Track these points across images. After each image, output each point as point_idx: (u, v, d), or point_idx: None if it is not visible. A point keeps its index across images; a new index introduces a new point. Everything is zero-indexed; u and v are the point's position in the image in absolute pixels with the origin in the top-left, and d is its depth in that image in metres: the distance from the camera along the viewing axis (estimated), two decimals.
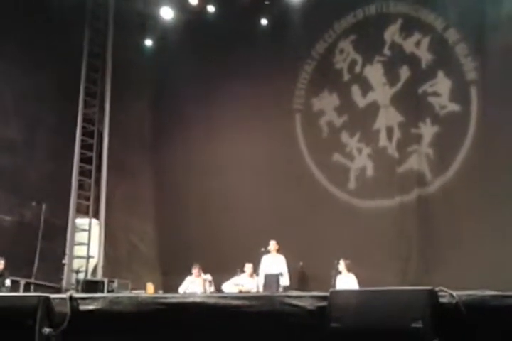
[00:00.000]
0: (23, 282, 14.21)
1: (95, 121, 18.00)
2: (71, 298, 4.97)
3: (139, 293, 13.64)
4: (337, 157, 15.77)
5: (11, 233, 15.22)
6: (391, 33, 15.37)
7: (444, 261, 13.10)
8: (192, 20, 17.38)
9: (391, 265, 13.76)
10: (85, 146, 17.63)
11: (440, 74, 14.60)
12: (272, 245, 13.86)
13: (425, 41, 14.93)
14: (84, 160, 17.59)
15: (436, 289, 3.93)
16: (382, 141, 15.16)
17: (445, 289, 3.94)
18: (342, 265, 12.86)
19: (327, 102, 16.25)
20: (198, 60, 17.40)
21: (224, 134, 17.08)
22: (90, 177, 17.73)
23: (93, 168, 17.73)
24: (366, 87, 15.63)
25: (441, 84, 14.55)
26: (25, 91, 16.05)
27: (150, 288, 14.75)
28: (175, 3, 17.31)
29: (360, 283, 12.48)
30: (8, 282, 13.44)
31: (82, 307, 4.94)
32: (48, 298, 4.99)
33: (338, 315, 3.99)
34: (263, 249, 13.74)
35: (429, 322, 3.70)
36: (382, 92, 15.36)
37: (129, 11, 17.74)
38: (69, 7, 16.08)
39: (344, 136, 15.83)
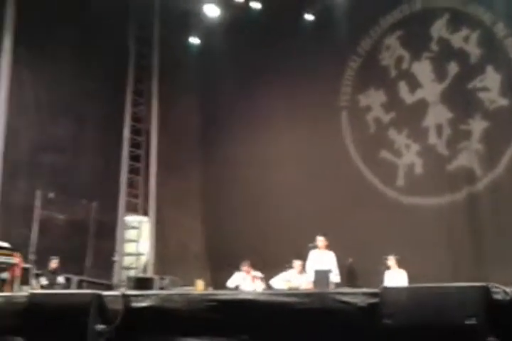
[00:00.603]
0: (75, 279, 14.44)
1: (143, 119, 18.16)
2: (123, 295, 5.02)
3: (190, 289, 13.73)
4: (384, 154, 15.64)
5: (63, 231, 15.45)
6: (438, 28, 15.16)
7: (495, 257, 12.92)
8: (237, 17, 17.40)
9: (441, 261, 13.60)
10: (134, 144, 17.82)
11: (489, 69, 14.36)
12: (320, 241, 13.75)
13: (473, 36, 14.69)
14: (133, 158, 17.78)
15: (490, 285, 3.88)
16: (432, 138, 14.97)
17: (498, 285, 3.89)
18: (392, 261, 12.73)
19: (374, 99, 16.10)
20: (243, 57, 17.41)
21: (271, 131, 17.06)
22: (139, 175, 17.90)
23: (142, 165, 17.89)
24: (414, 84, 15.44)
25: (491, 79, 14.31)
26: (74, 90, 16.25)
27: (200, 284, 14.79)
28: (220, 0, 17.34)
29: (409, 279, 12.36)
30: (61, 279, 13.65)
31: (135, 305, 4.99)
32: (100, 295, 5.06)
33: (390, 312, 3.97)
34: (311, 244, 13.68)
35: (483, 319, 3.66)
36: (430, 89, 15.14)
37: (174, 9, 17.82)
38: (114, 7, 16.23)
39: (392, 133, 15.68)
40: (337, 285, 13.02)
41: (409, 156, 15.30)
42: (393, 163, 15.49)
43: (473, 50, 14.62)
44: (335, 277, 13.24)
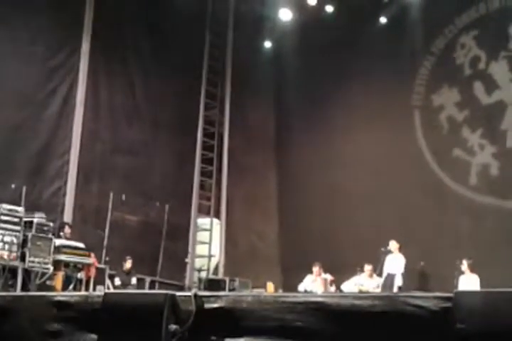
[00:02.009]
0: (148, 280, 14.65)
1: (216, 123, 18.32)
2: (196, 295, 5.07)
3: (260, 291, 13.79)
4: (457, 152, 15.43)
5: (137, 233, 15.69)
6: None
7: None
8: (310, 21, 17.41)
9: None
10: (206, 147, 17.98)
11: None
12: (393, 245, 13.72)
13: None
14: (206, 161, 17.93)
15: None
16: (510, 141, 14.67)
17: None
18: (465, 265, 12.57)
19: (447, 97, 15.93)
20: (316, 60, 17.43)
21: (344, 134, 17.02)
22: (211, 178, 18.06)
23: (214, 168, 18.04)
24: (491, 85, 15.17)
25: None
26: (148, 94, 16.49)
27: (270, 286, 14.87)
28: (293, 4, 17.36)
29: (483, 283, 12.16)
30: (134, 280, 13.87)
31: (207, 305, 5.03)
32: (174, 296, 5.11)
33: (464, 317, 3.91)
34: (383, 249, 13.61)
35: None
36: (508, 90, 14.86)
37: (248, 13, 17.95)
38: (190, 11, 16.43)
39: (465, 131, 15.47)
40: (400, 288, 12.96)
41: (483, 156, 15.05)
42: (466, 162, 15.26)
43: None
44: (398, 280, 13.19)
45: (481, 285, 12.06)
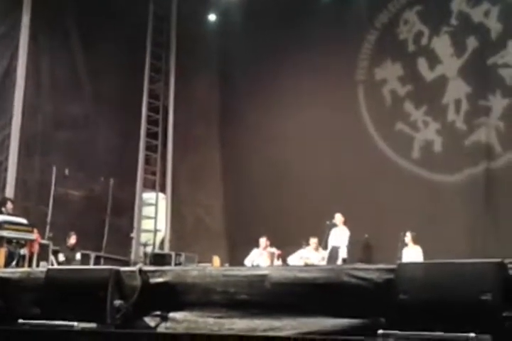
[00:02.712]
0: (93, 255, 14.55)
1: (161, 97, 18.18)
2: (140, 270, 5.05)
3: (206, 266, 13.82)
4: (400, 126, 15.61)
5: (81, 208, 15.55)
6: (458, 2, 15.03)
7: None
8: None
9: (458, 237, 13.61)
10: (151, 122, 17.85)
11: (511, 44, 14.23)
12: (338, 218, 13.86)
13: (495, 10, 14.55)
14: (151, 135, 17.81)
15: (506, 261, 3.87)
16: (451, 114, 14.89)
17: None
18: (408, 237, 12.77)
19: (390, 72, 16.06)
20: (261, 34, 17.36)
21: (288, 106, 17.02)
22: (156, 152, 17.96)
23: (159, 142, 17.95)
24: (434, 60, 15.33)
25: None
26: (91, 67, 16.25)
27: (216, 261, 14.91)
28: None
29: (426, 255, 12.38)
30: (78, 256, 13.78)
31: (152, 280, 5.02)
32: (118, 271, 5.09)
33: (406, 288, 3.97)
34: (328, 222, 13.74)
35: (498, 295, 3.66)
36: (449, 64, 15.05)
37: None
38: None
39: (408, 106, 15.64)
40: (345, 261, 13.15)
41: (427, 133, 15.24)
42: (409, 136, 15.45)
43: (494, 25, 14.48)
44: (343, 252, 13.38)
45: (424, 257, 12.28)
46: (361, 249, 14.10)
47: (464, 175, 14.42)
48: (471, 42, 14.71)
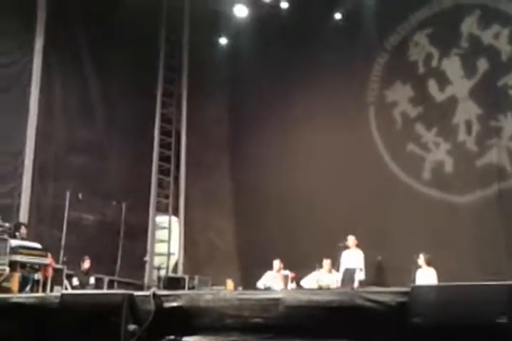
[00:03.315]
0: (106, 279, 14.56)
1: (173, 121, 18.26)
2: (154, 295, 5.06)
3: (219, 289, 13.78)
4: (411, 147, 15.61)
5: (94, 232, 15.56)
6: (468, 24, 15.05)
7: None
8: (266, 17, 17.40)
9: (471, 259, 13.54)
10: (164, 145, 17.91)
11: None
12: (351, 240, 13.81)
13: (505, 33, 14.57)
14: (163, 159, 17.86)
15: None
16: (461, 135, 14.88)
17: None
18: (422, 259, 12.68)
19: (400, 93, 16.06)
20: (272, 57, 17.44)
21: (299, 130, 17.05)
22: (169, 176, 18.01)
23: (172, 166, 17.99)
24: (444, 81, 15.33)
25: None
26: (103, 92, 16.36)
27: (230, 284, 14.85)
28: (248, 0, 17.34)
29: (440, 277, 12.31)
30: (92, 280, 13.77)
31: (166, 304, 5.03)
32: (132, 295, 5.10)
33: (420, 311, 3.96)
34: (341, 244, 13.69)
35: None
36: (460, 85, 15.06)
37: (203, 10, 17.86)
38: (144, 9, 16.31)
39: (418, 127, 15.65)
40: (361, 283, 13.06)
41: (438, 154, 15.22)
42: (420, 157, 15.45)
43: (504, 47, 14.50)
44: (360, 275, 13.29)
45: (438, 279, 12.21)
46: (374, 271, 14.03)
47: (476, 196, 14.36)
48: (482, 64, 14.73)
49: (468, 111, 14.77)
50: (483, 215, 14.07)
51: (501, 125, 14.32)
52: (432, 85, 15.47)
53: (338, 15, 16.96)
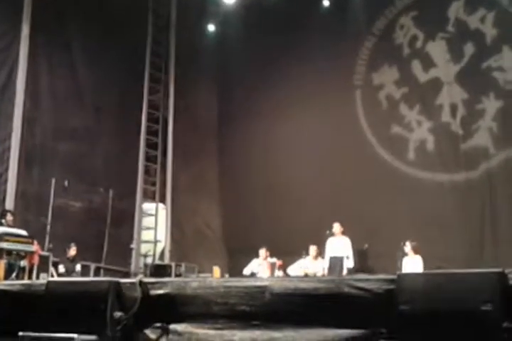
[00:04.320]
0: (93, 266, 14.52)
1: (160, 107, 18.19)
2: (141, 282, 5.05)
3: (206, 276, 13.79)
4: (396, 129, 15.69)
5: (80, 219, 15.51)
6: (455, 9, 15.15)
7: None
8: (254, 4, 17.35)
9: (458, 244, 13.62)
10: (151, 132, 17.85)
11: (505, 49, 14.35)
12: (336, 227, 13.81)
13: (490, 16, 14.67)
14: (150, 145, 17.80)
15: (506, 271, 3.87)
16: (445, 116, 14.99)
17: None
18: (408, 247, 12.73)
19: (386, 76, 16.21)
20: (260, 43, 17.45)
21: (286, 114, 17.07)
22: (156, 163, 17.96)
23: (159, 153, 17.94)
24: (428, 63, 15.50)
25: (507, 59, 14.30)
26: (90, 78, 16.27)
27: (216, 271, 14.88)
28: None
29: (427, 261, 12.37)
30: (78, 267, 13.75)
31: (152, 292, 5.02)
32: (118, 283, 5.09)
33: (406, 298, 3.97)
34: (328, 232, 13.71)
35: (498, 305, 3.66)
36: (445, 69, 15.19)
37: None
38: None
39: (403, 108, 15.76)
40: (351, 270, 13.09)
41: (420, 132, 15.36)
42: (404, 138, 15.54)
43: (489, 31, 14.62)
44: (349, 262, 13.32)
45: (425, 262, 12.29)
46: (361, 258, 14.06)
47: (462, 177, 14.48)
48: (468, 49, 14.82)
49: (453, 94, 14.90)
50: (467, 197, 14.18)
51: (484, 106, 14.44)
52: (416, 66, 15.65)
53: (326, 2, 16.93)
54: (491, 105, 14.34)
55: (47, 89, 15.39)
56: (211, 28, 18.73)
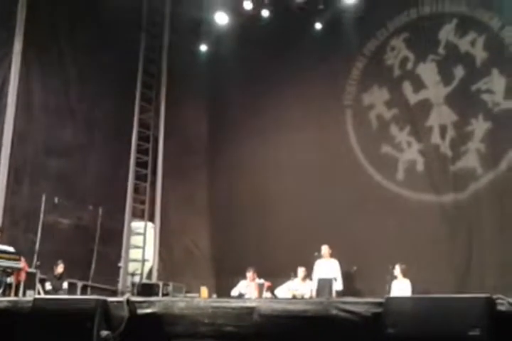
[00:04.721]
0: (80, 284, 14.46)
1: (151, 126, 18.22)
2: (128, 301, 5.03)
3: (194, 296, 13.74)
4: (386, 149, 15.74)
5: (69, 236, 15.43)
6: (446, 32, 15.27)
7: (502, 262, 12.94)
8: (246, 25, 17.43)
9: (447, 264, 13.63)
10: (141, 151, 17.84)
11: (494, 72, 14.45)
12: (325, 250, 13.83)
13: (480, 40, 14.80)
14: (140, 164, 17.79)
15: (494, 297, 3.88)
16: (435, 138, 15.07)
17: (503, 297, 3.88)
18: (398, 270, 12.73)
19: (377, 97, 16.26)
20: (251, 64, 17.50)
21: (277, 135, 17.09)
22: (146, 181, 17.94)
23: (149, 172, 17.93)
24: (418, 84, 15.57)
25: (496, 82, 14.40)
26: (82, 95, 16.29)
27: (204, 291, 14.83)
28: (229, 8, 17.33)
29: (416, 284, 12.37)
30: (65, 285, 13.68)
31: (139, 311, 5.00)
32: (105, 301, 5.07)
33: (394, 322, 3.97)
34: (316, 254, 13.71)
35: (486, 331, 3.66)
36: (435, 91, 15.27)
37: (184, 16, 17.89)
38: (125, 13, 16.29)
39: (393, 128, 15.83)
40: (339, 293, 13.07)
41: (410, 153, 15.42)
42: (394, 158, 15.59)
43: (480, 53, 14.73)
44: (338, 285, 13.30)
45: (415, 288, 12.28)
46: (350, 281, 14.05)
47: (450, 198, 14.50)
48: (459, 71, 14.93)
49: (442, 116, 14.98)
50: (456, 220, 14.21)
51: (473, 128, 14.52)
52: (407, 87, 15.72)
53: (318, 25, 17.03)
54: (480, 127, 14.43)
55: (38, 105, 15.37)
56: (203, 48, 18.77)
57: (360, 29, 16.36)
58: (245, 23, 17.46)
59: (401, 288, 12.48)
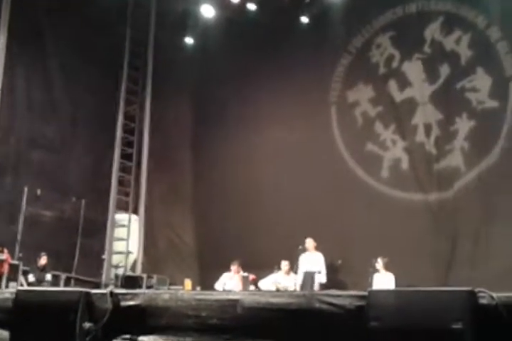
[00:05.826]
0: (63, 276, 14.44)
1: (136, 119, 18.18)
2: (112, 293, 5.02)
3: (177, 289, 13.74)
4: (370, 146, 15.76)
5: (52, 228, 15.41)
6: (431, 30, 15.27)
7: (485, 257, 13.00)
8: (232, 18, 17.42)
9: (430, 260, 13.67)
10: (126, 143, 17.81)
11: (479, 70, 14.47)
12: (309, 243, 13.82)
13: (466, 38, 14.81)
14: (125, 156, 17.76)
15: (476, 290, 3.90)
16: (420, 136, 15.10)
17: (485, 290, 3.90)
18: (380, 263, 12.77)
19: (362, 94, 16.25)
20: (237, 57, 17.47)
21: (261, 129, 17.12)
22: (130, 174, 17.91)
23: (133, 164, 17.90)
24: (404, 82, 15.58)
25: (480, 80, 14.41)
26: (67, 89, 16.23)
27: (188, 284, 14.83)
28: (216, 0, 17.32)
29: (397, 279, 12.42)
30: (49, 276, 13.65)
31: (123, 303, 4.99)
32: (88, 293, 5.06)
33: (377, 315, 3.98)
34: (301, 247, 13.71)
35: (469, 324, 3.68)
36: (420, 89, 15.28)
37: (170, 9, 17.84)
38: (110, 6, 16.22)
39: (378, 127, 15.84)
40: (322, 286, 13.10)
41: (395, 151, 15.44)
42: (379, 156, 15.61)
43: (465, 52, 14.73)
44: (322, 278, 13.33)
45: (397, 282, 12.32)
46: (334, 274, 14.09)
47: (434, 197, 14.54)
48: (444, 70, 14.94)
49: (427, 115, 15.00)
50: (440, 218, 14.24)
51: (457, 127, 14.56)
52: (392, 85, 15.71)
53: (305, 19, 17.02)
54: (464, 125, 14.46)
55: (22, 99, 15.33)
56: (190, 41, 18.72)
57: (346, 25, 16.37)
58: (232, 16, 17.45)
59: (383, 281, 12.51)
